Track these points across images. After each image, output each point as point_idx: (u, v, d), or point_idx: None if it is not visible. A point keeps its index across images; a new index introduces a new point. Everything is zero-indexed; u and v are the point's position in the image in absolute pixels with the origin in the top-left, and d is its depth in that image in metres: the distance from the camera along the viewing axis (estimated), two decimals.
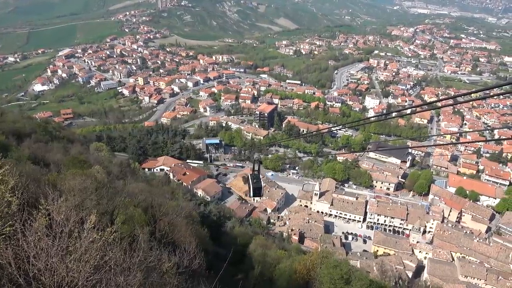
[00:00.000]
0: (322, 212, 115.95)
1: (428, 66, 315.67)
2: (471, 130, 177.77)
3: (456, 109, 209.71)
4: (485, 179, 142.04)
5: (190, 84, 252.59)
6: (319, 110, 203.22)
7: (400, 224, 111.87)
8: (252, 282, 38.04)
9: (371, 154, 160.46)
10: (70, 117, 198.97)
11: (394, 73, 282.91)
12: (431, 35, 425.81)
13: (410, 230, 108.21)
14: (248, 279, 38.46)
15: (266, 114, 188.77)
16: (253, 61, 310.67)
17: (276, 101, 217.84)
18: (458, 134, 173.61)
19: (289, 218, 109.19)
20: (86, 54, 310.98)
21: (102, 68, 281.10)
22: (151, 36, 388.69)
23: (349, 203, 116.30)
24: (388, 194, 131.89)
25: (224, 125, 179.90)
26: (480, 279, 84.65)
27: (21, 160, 34.46)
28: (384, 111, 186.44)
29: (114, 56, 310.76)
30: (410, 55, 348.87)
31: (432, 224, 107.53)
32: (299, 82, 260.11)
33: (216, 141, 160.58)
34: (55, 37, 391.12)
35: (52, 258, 11.45)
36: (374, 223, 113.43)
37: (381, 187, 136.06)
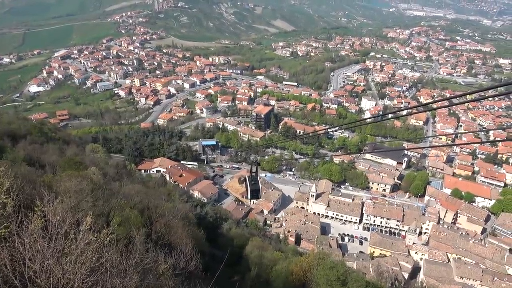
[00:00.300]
0: (318, 214, 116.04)
1: (423, 68, 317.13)
2: (466, 131, 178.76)
3: (451, 111, 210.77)
4: (480, 180, 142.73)
5: (186, 85, 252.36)
6: (315, 111, 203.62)
7: (396, 225, 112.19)
8: (248, 284, 37.99)
9: (367, 156, 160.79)
10: (66, 118, 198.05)
11: (390, 75, 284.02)
12: (426, 37, 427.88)
13: (406, 231, 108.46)
14: (245, 281, 38.41)
15: (262, 116, 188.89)
16: (249, 62, 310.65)
17: (272, 102, 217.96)
18: (454, 136, 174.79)
19: (286, 220, 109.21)
20: (82, 55, 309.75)
21: (98, 69, 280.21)
22: (148, 37, 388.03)
23: (346, 204, 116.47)
24: (384, 196, 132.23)
25: (220, 126, 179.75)
26: (476, 280, 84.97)
27: (16, 161, 34.29)
28: (380, 113, 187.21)
29: (110, 57, 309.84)
30: (406, 57, 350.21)
31: (428, 225, 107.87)
32: (295, 83, 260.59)
33: (213, 142, 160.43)
34: (51, 38, 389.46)
35: (48, 260, 11.40)
36: (370, 224, 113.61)
37: (377, 189, 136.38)
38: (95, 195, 25.57)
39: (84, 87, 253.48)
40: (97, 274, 12.01)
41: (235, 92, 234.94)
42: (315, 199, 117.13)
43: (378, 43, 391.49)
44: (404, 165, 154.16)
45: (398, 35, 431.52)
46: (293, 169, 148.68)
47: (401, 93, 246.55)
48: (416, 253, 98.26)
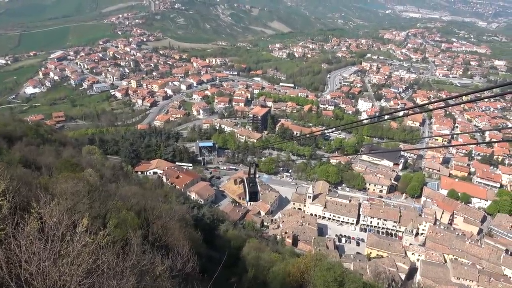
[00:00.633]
0: (315, 215, 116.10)
1: (420, 69, 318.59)
2: (462, 132, 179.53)
3: (447, 112, 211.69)
4: (476, 181, 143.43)
5: (183, 87, 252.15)
6: (312, 113, 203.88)
7: (393, 226, 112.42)
8: (245, 285, 37.99)
9: (364, 157, 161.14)
10: (62, 120, 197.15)
11: (386, 76, 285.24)
12: (422, 39, 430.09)
13: (403, 232, 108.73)
14: (242, 282, 38.39)
15: (259, 117, 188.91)
16: (246, 64, 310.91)
17: (269, 104, 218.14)
18: (450, 137, 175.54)
19: (283, 221, 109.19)
20: (78, 57, 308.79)
21: (94, 70, 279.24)
22: (144, 39, 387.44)
23: (343, 205, 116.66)
24: (381, 197, 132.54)
25: (217, 128, 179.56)
26: (472, 281, 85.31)
27: (12, 163, 34.14)
28: (377, 114, 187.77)
29: (107, 59, 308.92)
30: (402, 58, 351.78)
31: (425, 226, 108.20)
32: (292, 85, 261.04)
33: (210, 144, 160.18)
34: (47, 39, 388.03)
35: (44, 262, 11.36)
36: (367, 225, 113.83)
37: (374, 190, 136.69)
38: (92, 197, 25.48)
39: (80, 88, 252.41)
40: (94, 276, 11.97)
41: (232, 93, 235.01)
42: (312, 200, 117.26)
43: (374, 45, 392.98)
44: (400, 166, 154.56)
45: (394, 36, 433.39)
46: (290, 171, 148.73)
47: (398, 95, 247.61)
48: (412, 254, 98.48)
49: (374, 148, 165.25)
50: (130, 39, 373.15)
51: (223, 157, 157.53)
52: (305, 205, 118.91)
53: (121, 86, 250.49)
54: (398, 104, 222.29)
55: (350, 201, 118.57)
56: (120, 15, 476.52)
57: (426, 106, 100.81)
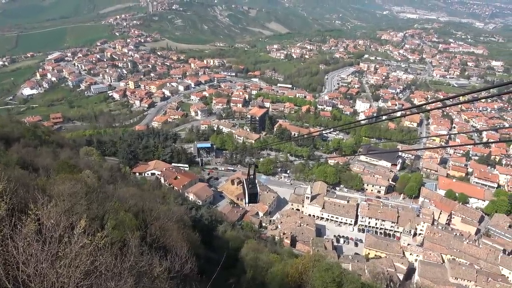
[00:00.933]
0: (313, 216, 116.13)
1: (417, 70, 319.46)
2: (459, 132, 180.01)
3: (445, 113, 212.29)
4: (474, 181, 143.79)
5: (181, 88, 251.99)
6: (310, 113, 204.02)
7: (391, 226, 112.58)
8: (244, 286, 37.95)
9: (362, 158, 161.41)
10: (60, 121, 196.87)
11: (384, 77, 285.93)
12: (420, 39, 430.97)
13: (401, 232, 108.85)
14: (240, 283, 38.35)
15: (257, 118, 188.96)
16: (244, 65, 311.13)
17: (267, 104, 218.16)
18: (448, 137, 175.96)
19: (281, 222, 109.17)
20: (76, 58, 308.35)
21: (92, 72, 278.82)
22: (142, 40, 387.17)
23: (341, 206, 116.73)
24: (379, 197, 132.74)
25: (215, 129, 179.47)
26: (470, 281, 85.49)
27: (10, 165, 34.05)
28: (375, 115, 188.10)
29: (105, 60, 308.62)
30: (399, 59, 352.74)
31: (423, 226, 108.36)
32: (290, 86, 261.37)
33: (208, 145, 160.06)
34: (44, 40, 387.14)
35: (42, 264, 11.33)
36: (365, 226, 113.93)
37: (372, 190, 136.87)
38: (90, 198, 25.44)
39: (78, 89, 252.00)
40: (92, 277, 11.94)
41: (230, 94, 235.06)
42: (310, 201, 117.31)
43: (372, 46, 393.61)
44: (398, 167, 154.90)
45: (391, 37, 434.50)
46: (288, 171, 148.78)
47: (395, 95, 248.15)
48: (411, 254, 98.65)
49: (372, 149, 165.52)
50: (128, 40, 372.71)
51: (221, 158, 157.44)
52: (303, 206, 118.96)
53: (119, 87, 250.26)
54: (396, 105, 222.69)
55: (348, 201, 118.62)
56: (118, 16, 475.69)
57: (424, 106, 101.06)
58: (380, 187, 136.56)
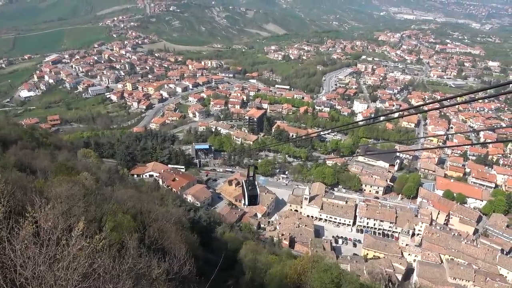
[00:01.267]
0: (312, 216, 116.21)
1: (414, 70, 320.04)
2: (457, 133, 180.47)
3: (442, 113, 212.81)
4: (471, 181, 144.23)
5: (179, 89, 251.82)
6: (308, 114, 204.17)
7: (389, 227, 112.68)
8: None
9: (360, 158, 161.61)
10: (57, 123, 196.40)
11: (381, 78, 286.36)
12: (417, 40, 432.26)
13: (399, 233, 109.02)
14: (239, 285, 38.31)
15: (255, 119, 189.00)
16: (242, 66, 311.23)
17: (265, 106, 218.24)
18: (445, 137, 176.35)
19: (280, 223, 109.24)
20: (73, 60, 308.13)
21: (89, 73, 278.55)
22: (140, 42, 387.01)
23: (339, 207, 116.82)
24: (377, 198, 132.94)
25: (213, 130, 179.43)
26: (469, 281, 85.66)
27: (7, 167, 33.91)
28: (372, 115, 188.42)
29: (102, 62, 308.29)
30: (397, 60, 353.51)
31: (421, 226, 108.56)
32: (288, 87, 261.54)
33: (206, 146, 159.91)
34: (41, 42, 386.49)
35: (40, 267, 11.28)
36: (364, 226, 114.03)
37: (370, 191, 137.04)
38: (87, 200, 25.37)
39: (75, 91, 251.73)
40: (90, 280, 11.91)
41: (227, 95, 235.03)
42: (309, 202, 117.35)
43: (369, 46, 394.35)
44: (396, 167, 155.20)
45: (389, 38, 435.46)
46: (286, 172, 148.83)
47: (393, 96, 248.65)
48: (409, 254, 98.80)
49: (370, 149, 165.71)
50: (126, 42, 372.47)
51: (219, 159, 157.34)
52: (301, 207, 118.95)
53: (116, 89, 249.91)
54: (393, 105, 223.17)
55: (346, 202, 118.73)
56: (115, 18, 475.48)
57: (421, 107, 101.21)
58: (378, 188, 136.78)
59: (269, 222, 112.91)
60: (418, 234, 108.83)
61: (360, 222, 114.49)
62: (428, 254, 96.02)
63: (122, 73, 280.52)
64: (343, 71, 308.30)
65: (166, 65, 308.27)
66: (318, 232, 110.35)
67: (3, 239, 11.61)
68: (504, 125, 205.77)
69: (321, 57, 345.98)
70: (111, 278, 12.88)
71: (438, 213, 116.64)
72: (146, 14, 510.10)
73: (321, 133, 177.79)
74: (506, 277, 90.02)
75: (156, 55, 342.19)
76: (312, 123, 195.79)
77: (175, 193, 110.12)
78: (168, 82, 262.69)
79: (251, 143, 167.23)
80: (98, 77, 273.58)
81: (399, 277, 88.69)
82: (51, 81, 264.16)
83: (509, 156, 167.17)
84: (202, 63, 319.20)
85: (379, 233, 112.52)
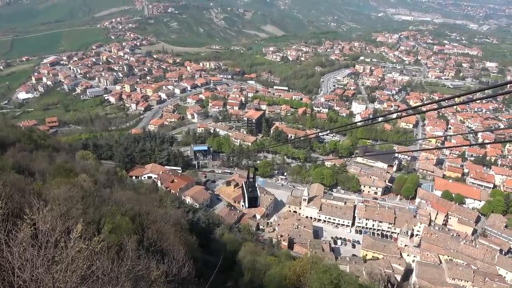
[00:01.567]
0: (311, 218, 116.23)
1: (412, 71, 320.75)
2: (455, 134, 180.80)
3: (440, 114, 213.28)
4: (470, 182, 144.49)
5: (177, 91, 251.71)
6: (306, 115, 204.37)
7: (388, 228, 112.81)
8: None
9: (359, 159, 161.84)
10: (56, 125, 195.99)
11: (379, 79, 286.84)
12: (415, 41, 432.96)
13: (398, 233, 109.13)
14: (238, 286, 38.27)
15: (254, 120, 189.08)
16: (240, 67, 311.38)
17: (263, 107, 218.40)
18: (443, 138, 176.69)
19: (278, 224, 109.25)
20: (71, 62, 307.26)
21: (88, 75, 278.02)
22: (138, 43, 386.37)
23: (338, 208, 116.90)
24: (376, 198, 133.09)
25: (212, 131, 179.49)
26: (468, 281, 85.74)
27: (5, 169, 33.82)
28: (371, 116, 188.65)
29: (100, 63, 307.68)
30: (395, 61, 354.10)
31: (420, 227, 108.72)
32: (286, 88, 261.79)
33: (204, 147, 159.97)
34: (39, 44, 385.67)
35: (38, 269, 11.25)
36: (363, 227, 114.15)
37: (368, 192, 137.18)
38: (86, 202, 25.31)
39: (73, 93, 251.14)
40: (88, 282, 11.88)
41: (226, 97, 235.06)
42: (308, 203, 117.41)
43: (367, 48, 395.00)
44: (395, 168, 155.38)
45: (387, 39, 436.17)
46: (285, 174, 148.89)
47: (391, 97, 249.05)
48: (408, 255, 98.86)
49: (369, 150, 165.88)
50: (124, 44, 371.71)
51: (218, 160, 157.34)
52: (300, 208, 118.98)
53: (114, 91, 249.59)
54: (392, 106, 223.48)
55: (345, 203, 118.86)
56: (113, 20, 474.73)
57: (419, 107, 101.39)
58: (376, 189, 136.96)
59: (268, 223, 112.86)
60: (417, 235, 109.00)
61: (359, 223, 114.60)
62: (427, 254, 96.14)
63: (120, 75, 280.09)
64: (342, 72, 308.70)
65: (164, 67, 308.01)
66: (317, 233, 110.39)
67: (1, 241, 11.57)
68: (502, 126, 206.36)
69: (319, 58, 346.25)
70: (110, 280, 12.86)
71: (437, 214, 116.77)
72: (144, 15, 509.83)
73: (320, 134, 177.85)
74: (504, 277, 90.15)
75: (155, 56, 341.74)
76: (310, 124, 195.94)
77: (174, 194, 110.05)
78: (167, 84, 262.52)
79: (250, 144, 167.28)
80: (96, 78, 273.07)
81: (398, 277, 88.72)
82: (49, 83, 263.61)
83: (507, 157, 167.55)
84: (201, 64, 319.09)
85: (378, 234, 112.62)
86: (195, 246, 41.01)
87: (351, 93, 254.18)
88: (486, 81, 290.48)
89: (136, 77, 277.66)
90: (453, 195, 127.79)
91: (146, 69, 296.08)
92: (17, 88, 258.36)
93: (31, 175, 37.32)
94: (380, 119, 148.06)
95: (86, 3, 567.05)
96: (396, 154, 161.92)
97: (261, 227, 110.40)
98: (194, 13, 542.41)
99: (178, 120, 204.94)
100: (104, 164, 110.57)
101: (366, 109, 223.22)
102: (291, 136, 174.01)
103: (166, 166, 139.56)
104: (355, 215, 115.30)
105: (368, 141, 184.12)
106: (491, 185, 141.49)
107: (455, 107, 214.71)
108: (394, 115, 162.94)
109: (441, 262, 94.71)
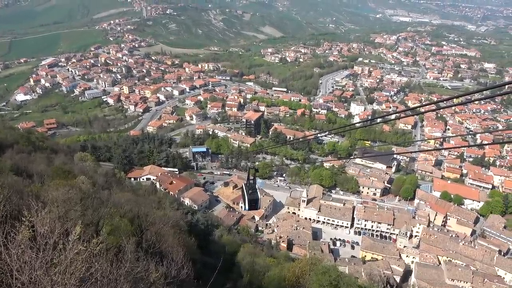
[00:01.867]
0: (310, 219, 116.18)
1: (411, 72, 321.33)
2: (454, 135, 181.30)
3: (439, 115, 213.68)
4: (468, 183, 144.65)
5: (176, 92, 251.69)
6: (305, 117, 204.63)
7: (387, 229, 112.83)
8: None
9: (357, 160, 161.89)
10: (54, 127, 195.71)
11: (378, 80, 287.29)
12: (413, 42, 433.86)
13: (397, 234, 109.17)
14: None
15: (252, 122, 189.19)
16: (239, 69, 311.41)
17: (262, 108, 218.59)
18: (442, 139, 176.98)
19: (277, 226, 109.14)
20: (70, 63, 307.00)
21: (86, 77, 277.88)
22: (136, 45, 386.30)
23: (337, 209, 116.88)
24: (375, 200, 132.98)
25: (210, 133, 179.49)
26: (467, 282, 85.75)
27: (3, 171, 33.72)
28: (369, 117, 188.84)
29: (99, 65, 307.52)
30: (393, 62, 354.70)
31: (419, 228, 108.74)
32: (285, 89, 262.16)
33: (203, 149, 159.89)
34: (38, 46, 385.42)
35: (36, 271, 11.20)
36: (362, 228, 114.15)
37: (367, 193, 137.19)
38: (84, 204, 25.25)
39: (72, 95, 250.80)
40: (87, 284, 11.84)
41: (224, 98, 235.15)
42: (306, 204, 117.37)
43: (365, 49, 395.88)
44: (393, 169, 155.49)
45: (385, 40, 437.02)
46: (284, 175, 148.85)
47: (389, 98, 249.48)
48: (407, 256, 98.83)
49: (367, 151, 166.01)
50: (122, 45, 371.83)
51: (216, 162, 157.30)
52: (299, 209, 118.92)
53: (113, 92, 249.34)
54: (390, 107, 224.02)
55: (344, 204, 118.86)
56: (112, 21, 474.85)
57: (418, 109, 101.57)
58: (375, 190, 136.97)
59: (267, 224, 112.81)
60: (415, 236, 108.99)
61: (358, 224, 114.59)
62: (426, 255, 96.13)
63: (119, 76, 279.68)
64: (340, 74, 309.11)
65: (163, 68, 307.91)
66: (316, 235, 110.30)
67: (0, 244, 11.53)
68: (500, 126, 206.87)
69: (318, 59, 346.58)
70: (109, 282, 12.81)
71: (436, 215, 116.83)
72: (142, 17, 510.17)
73: (318, 135, 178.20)
74: (503, 278, 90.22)
75: (153, 58, 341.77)
76: (309, 125, 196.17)
77: (173, 196, 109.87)
78: (165, 85, 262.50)
79: (249, 145, 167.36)
80: (95, 80, 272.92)
81: (397, 279, 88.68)
82: (47, 84, 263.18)
83: (506, 157, 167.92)
84: (199, 66, 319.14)
85: (377, 235, 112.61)
86: (194, 247, 40.90)
87: (350, 94, 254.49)
88: (484, 82, 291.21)
89: (135, 78, 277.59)
90: (452, 196, 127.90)
91: (144, 71, 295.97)
92: (15, 90, 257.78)
93: (29, 177, 37.21)
94: (378, 120, 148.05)
95: (84, 4, 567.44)
96: (395, 155, 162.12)
97: (260, 228, 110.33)
98: (192, 15, 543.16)
99: (177, 122, 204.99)
100: (103, 166, 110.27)
101: (364, 110, 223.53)
102: (289, 137, 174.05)
103: (164, 168, 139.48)
104: (354, 216, 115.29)
105: (368, 142, 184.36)
106: (490, 186, 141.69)
107: (453, 108, 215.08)
108: (393, 116, 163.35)
109: (440, 263, 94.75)
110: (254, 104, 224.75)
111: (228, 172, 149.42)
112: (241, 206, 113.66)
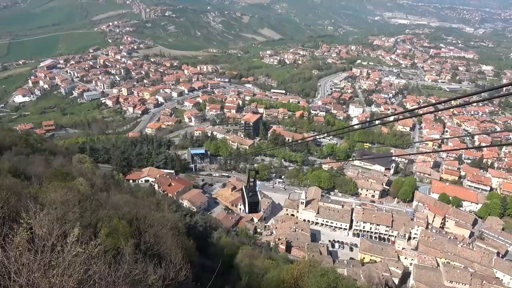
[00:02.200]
0: (308, 221, 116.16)
1: (409, 75, 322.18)
2: (452, 137, 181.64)
3: (437, 117, 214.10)
4: (467, 185, 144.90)
5: (174, 94, 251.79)
6: (303, 119, 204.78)
7: (386, 231, 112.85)
8: None
9: (356, 162, 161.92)
10: (52, 128, 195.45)
11: (376, 82, 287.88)
12: (411, 44, 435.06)
13: (396, 236, 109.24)
14: None
15: (251, 124, 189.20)
16: (237, 71, 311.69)
17: (261, 110, 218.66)
18: (440, 141, 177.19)
19: (276, 227, 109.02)
20: (68, 65, 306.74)
21: (85, 79, 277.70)
22: (135, 47, 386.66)
23: (335, 211, 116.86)
24: (373, 202, 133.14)
25: (209, 135, 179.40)
26: (465, 284, 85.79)
27: (1, 173, 33.67)
28: (368, 119, 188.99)
29: (97, 67, 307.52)
30: (391, 64, 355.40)
31: (417, 230, 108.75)
32: (283, 91, 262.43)
33: (202, 151, 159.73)
34: (36, 48, 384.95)
35: (34, 273, 11.18)
36: (360, 230, 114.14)
37: (366, 195, 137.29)
38: (83, 206, 25.22)
39: (70, 97, 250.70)
40: (85, 286, 11.81)
41: (223, 100, 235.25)
42: (305, 206, 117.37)
43: (364, 51, 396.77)
44: (392, 171, 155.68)
45: (383, 43, 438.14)
46: (282, 177, 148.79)
47: (388, 100, 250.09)
48: (405, 258, 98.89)
49: (366, 153, 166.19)
50: (121, 47, 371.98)
51: (215, 164, 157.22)
52: (298, 211, 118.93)
53: (111, 94, 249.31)
54: (389, 109, 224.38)
55: (342, 206, 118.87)
56: (111, 23, 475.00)
57: (416, 111, 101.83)
58: (374, 192, 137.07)
59: (265, 226, 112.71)
60: (414, 238, 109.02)
61: (356, 226, 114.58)
62: (425, 257, 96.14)
63: (118, 78, 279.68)
64: (339, 76, 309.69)
65: (161, 70, 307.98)
66: (315, 237, 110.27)
67: None
68: (498, 128, 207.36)
69: (316, 61, 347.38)
70: (107, 284, 12.80)
71: (434, 217, 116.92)
72: (141, 19, 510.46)
73: (317, 137, 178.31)
74: (502, 280, 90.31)
75: (152, 60, 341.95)
76: (308, 127, 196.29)
77: (171, 198, 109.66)
78: (164, 87, 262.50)
79: (247, 147, 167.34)
80: (93, 82, 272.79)
81: (396, 281, 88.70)
82: (46, 86, 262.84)
83: (504, 159, 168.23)
84: (198, 68, 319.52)
85: (375, 237, 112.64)
86: (192, 250, 40.84)
87: (348, 96, 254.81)
88: (482, 84, 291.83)
89: (133, 80, 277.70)
90: (450, 198, 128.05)
91: (143, 73, 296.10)
92: (13, 91, 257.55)
93: (27, 179, 37.16)
94: (377, 122, 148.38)
95: (83, 6, 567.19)
96: (393, 157, 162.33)
97: (258, 230, 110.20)
98: (191, 17, 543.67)
99: (176, 124, 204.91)
100: (101, 168, 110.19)
101: (363, 112, 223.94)
102: (288, 139, 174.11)
103: (162, 170, 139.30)
104: (353, 218, 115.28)
105: (367, 144, 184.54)
106: (488, 188, 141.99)
107: (451, 110, 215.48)
108: (391, 118, 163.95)
109: (438, 265, 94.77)
110: (252, 106, 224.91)
111: (226, 174, 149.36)
112: (241, 209, 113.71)
